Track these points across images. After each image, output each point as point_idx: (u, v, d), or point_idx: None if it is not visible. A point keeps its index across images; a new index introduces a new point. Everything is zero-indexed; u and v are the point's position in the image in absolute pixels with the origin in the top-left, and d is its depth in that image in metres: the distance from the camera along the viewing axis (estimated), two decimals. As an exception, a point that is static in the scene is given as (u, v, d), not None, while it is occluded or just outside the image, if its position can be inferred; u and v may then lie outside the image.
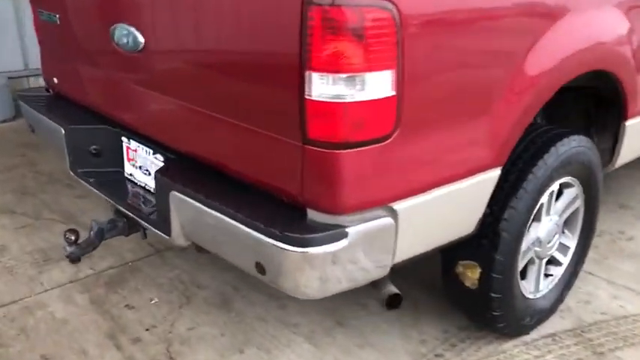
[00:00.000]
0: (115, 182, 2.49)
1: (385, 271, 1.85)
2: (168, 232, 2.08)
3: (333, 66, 1.57)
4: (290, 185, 1.74)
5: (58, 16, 2.59)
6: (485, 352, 2.52)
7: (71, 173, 2.57)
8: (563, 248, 2.64)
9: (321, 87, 1.59)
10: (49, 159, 4.47)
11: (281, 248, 1.66)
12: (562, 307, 2.76)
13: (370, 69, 1.59)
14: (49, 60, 2.86)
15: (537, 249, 2.46)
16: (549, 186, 2.33)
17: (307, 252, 1.65)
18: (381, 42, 1.59)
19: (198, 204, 1.88)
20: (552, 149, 2.27)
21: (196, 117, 1.99)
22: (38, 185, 4.08)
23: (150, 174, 2.37)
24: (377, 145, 1.67)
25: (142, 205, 2.30)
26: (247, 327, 2.65)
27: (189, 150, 2.10)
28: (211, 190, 1.90)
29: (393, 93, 1.65)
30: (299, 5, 1.56)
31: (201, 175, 2.03)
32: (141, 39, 2.12)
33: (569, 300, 2.80)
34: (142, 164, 2.41)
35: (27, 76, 5.67)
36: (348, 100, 1.60)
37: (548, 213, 2.44)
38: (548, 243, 2.49)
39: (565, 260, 2.67)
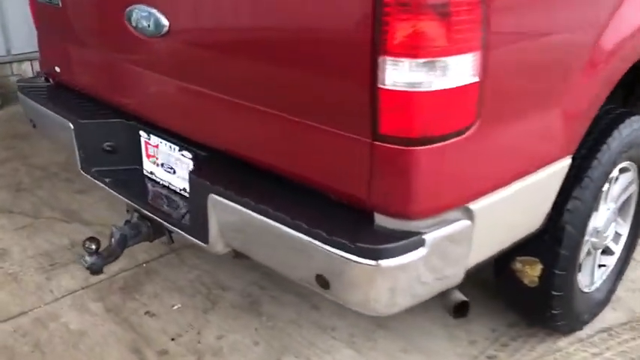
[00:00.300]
0: (133, 182, 2.25)
1: (459, 279, 1.66)
2: (204, 238, 1.86)
3: (412, 49, 1.35)
4: (355, 187, 1.53)
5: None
6: (540, 351, 2.36)
7: (83, 173, 2.32)
8: (616, 236, 2.47)
9: (397, 74, 1.37)
10: (42, 151, 4.20)
11: (352, 261, 1.45)
12: (612, 297, 2.60)
13: (453, 52, 1.37)
14: (48, 47, 2.58)
15: (594, 239, 2.28)
16: (611, 172, 2.15)
17: (383, 264, 1.44)
18: (466, 20, 1.37)
19: (245, 209, 1.66)
20: (615, 132, 2.09)
21: (238, 111, 1.75)
22: (33, 180, 3.81)
23: (174, 172, 2.14)
24: (456, 140, 1.46)
25: (170, 208, 2.07)
26: (282, 333, 2.45)
27: (228, 148, 1.86)
28: (259, 193, 1.68)
29: (476, 79, 1.43)
30: None
31: (243, 175, 1.80)
32: (164, 21, 1.87)
33: (618, 289, 2.64)
34: (164, 161, 2.17)
35: (10, 62, 5.33)
36: (428, 88, 1.38)
37: (605, 201, 2.26)
38: (605, 232, 2.31)
39: (617, 249, 2.51)
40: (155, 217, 2.06)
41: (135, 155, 2.27)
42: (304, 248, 1.53)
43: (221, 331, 2.46)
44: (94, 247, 2.01)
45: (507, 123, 1.60)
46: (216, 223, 1.79)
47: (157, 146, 2.18)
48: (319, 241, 1.48)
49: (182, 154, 2.06)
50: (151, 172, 2.25)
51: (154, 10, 1.89)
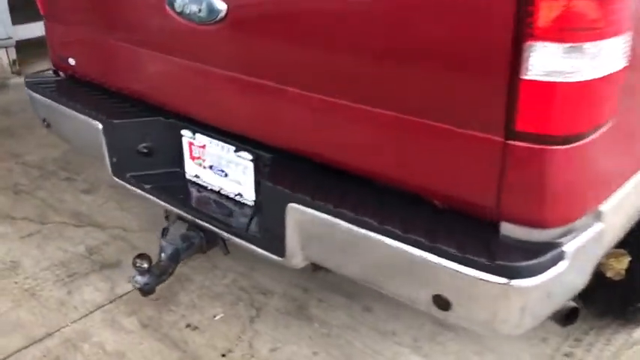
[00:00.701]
0: (176, 187, 2.01)
1: (583, 286, 1.48)
2: (279, 252, 1.64)
3: (562, 33, 1.14)
4: (479, 193, 1.32)
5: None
6: (617, 345, 2.23)
7: (116, 179, 2.07)
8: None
9: (543, 61, 1.16)
10: (32, 146, 3.89)
11: (488, 281, 1.25)
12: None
13: (608, 34, 1.16)
14: (61, 36, 2.29)
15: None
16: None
17: (523, 284, 1.24)
18: (621, -4, 1.16)
19: (341, 222, 1.44)
20: None
21: (329, 110, 1.50)
22: (31, 181, 3.50)
23: (227, 175, 1.90)
24: (596, 135, 1.27)
25: (228, 217, 1.83)
26: (340, 340, 2.26)
27: (312, 151, 1.61)
28: (353, 203, 1.46)
29: (624, 65, 1.23)
30: None
31: (324, 180, 1.57)
32: (221, 5, 1.61)
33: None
34: (213, 163, 1.93)
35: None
36: (576, 78, 1.17)
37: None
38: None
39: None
40: (213, 228, 1.83)
41: (175, 157, 2.03)
42: (422, 266, 1.33)
43: (274, 342, 2.26)
44: (145, 265, 1.77)
45: (637, 113, 1.41)
46: (297, 236, 1.57)
47: (203, 147, 1.94)
48: (447, 259, 1.28)
49: (239, 156, 1.83)
50: (196, 176, 2.00)
51: (207, -7, 1.63)
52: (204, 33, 1.69)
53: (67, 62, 2.29)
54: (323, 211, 1.47)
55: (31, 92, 2.34)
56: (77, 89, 2.27)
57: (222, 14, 1.62)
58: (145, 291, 1.86)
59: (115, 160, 2.04)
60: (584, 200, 1.33)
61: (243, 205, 1.88)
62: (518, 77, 1.19)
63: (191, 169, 2.02)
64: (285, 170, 1.65)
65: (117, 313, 2.42)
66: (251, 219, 1.80)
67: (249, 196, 1.86)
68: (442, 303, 1.36)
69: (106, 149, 2.05)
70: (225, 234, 1.82)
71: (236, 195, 1.90)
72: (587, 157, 1.28)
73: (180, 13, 1.72)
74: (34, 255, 2.80)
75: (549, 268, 1.27)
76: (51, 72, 2.46)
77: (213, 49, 1.71)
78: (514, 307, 1.30)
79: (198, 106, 1.84)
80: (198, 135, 1.93)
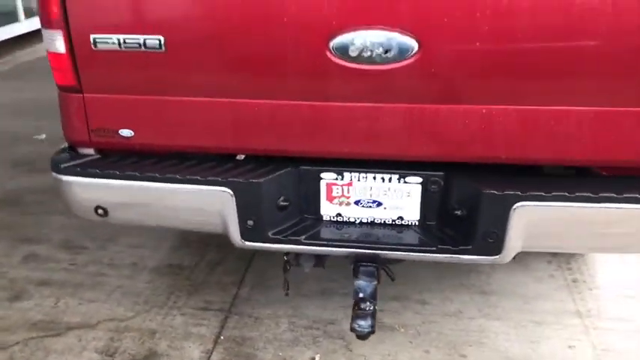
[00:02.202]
0: (326, 230, 2.00)
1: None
2: (495, 252, 1.87)
3: None
4: None
5: (163, 40, 1.80)
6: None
7: (248, 244, 1.95)
8: None
9: None
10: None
11: None
12: None
13: None
14: (112, 108, 1.94)
15: None
16: None
17: None
18: None
19: (576, 204, 1.77)
20: None
21: (529, 117, 1.78)
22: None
23: (380, 204, 1.99)
24: None
25: (407, 240, 1.95)
26: (431, 334, 2.51)
27: (505, 155, 1.84)
28: (571, 186, 1.80)
29: None
30: None
31: (528, 178, 1.87)
32: (412, 43, 1.73)
33: None
34: (360, 198, 1.99)
35: None
36: None
37: None
38: None
39: None
40: (396, 254, 1.93)
41: (310, 202, 2.00)
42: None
43: (384, 356, 2.38)
44: (371, 307, 1.77)
45: None
46: (522, 232, 1.83)
47: (349, 184, 1.98)
48: None
49: (405, 182, 1.94)
50: (338, 215, 2.02)
51: (394, 34, 1.72)
52: (385, 72, 1.76)
53: (115, 135, 1.97)
54: (559, 200, 1.78)
55: (79, 179, 1.94)
56: (144, 162, 1.98)
57: (414, 52, 1.74)
58: (363, 335, 1.83)
59: (251, 222, 1.91)
60: None
61: (406, 226, 2.00)
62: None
63: (329, 210, 2.02)
64: (490, 179, 1.86)
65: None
66: (426, 234, 1.96)
67: (412, 217, 1.99)
68: None
69: (236, 215, 1.90)
70: (414, 255, 1.93)
71: (396, 219, 2.00)
72: None
73: (355, 58, 1.75)
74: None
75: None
76: (67, 152, 2.06)
77: (394, 86, 1.79)
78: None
79: (360, 144, 1.87)
80: (346, 174, 1.96)
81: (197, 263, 3.01)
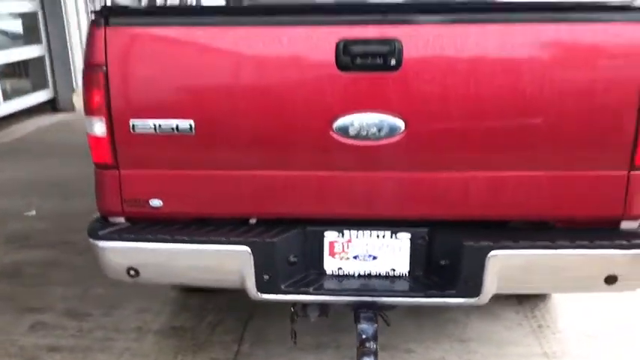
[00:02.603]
0: (330, 283, 2.32)
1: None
2: (474, 294, 2.22)
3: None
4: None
5: (193, 123, 2.16)
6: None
7: (264, 296, 2.25)
8: None
9: None
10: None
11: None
12: None
13: None
14: (144, 181, 2.26)
15: None
16: None
17: None
18: None
19: (543, 251, 2.16)
20: None
21: (500, 181, 2.18)
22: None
23: (374, 258, 2.34)
24: None
25: (401, 288, 2.29)
26: None
27: (480, 214, 2.24)
28: (542, 236, 2.19)
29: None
30: None
31: (498, 230, 2.25)
32: (399, 123, 2.13)
33: None
34: (358, 253, 2.34)
35: None
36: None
37: None
38: None
39: None
40: (393, 300, 2.26)
41: (314, 258, 2.34)
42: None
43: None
44: (375, 346, 2.08)
45: None
46: (496, 276, 2.19)
47: (349, 241, 2.33)
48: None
49: (395, 237, 2.30)
50: (339, 268, 2.35)
51: (386, 116, 2.13)
52: (378, 147, 2.15)
53: (145, 205, 2.29)
54: (524, 248, 2.16)
55: (114, 243, 2.23)
56: (170, 227, 2.29)
57: (401, 130, 2.14)
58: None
59: (266, 277, 2.22)
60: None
61: (398, 277, 2.34)
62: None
63: (331, 265, 2.35)
64: (467, 233, 2.24)
65: None
66: (415, 282, 2.30)
67: (402, 268, 2.34)
68: (611, 280, 2.20)
69: (253, 270, 2.21)
70: (406, 300, 2.26)
71: (389, 270, 2.35)
72: None
73: (354, 136, 2.14)
74: None
75: None
76: (100, 221, 2.35)
77: (385, 158, 2.18)
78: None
79: (358, 206, 2.25)
80: (346, 232, 2.32)
81: (198, 324, 3.25)
